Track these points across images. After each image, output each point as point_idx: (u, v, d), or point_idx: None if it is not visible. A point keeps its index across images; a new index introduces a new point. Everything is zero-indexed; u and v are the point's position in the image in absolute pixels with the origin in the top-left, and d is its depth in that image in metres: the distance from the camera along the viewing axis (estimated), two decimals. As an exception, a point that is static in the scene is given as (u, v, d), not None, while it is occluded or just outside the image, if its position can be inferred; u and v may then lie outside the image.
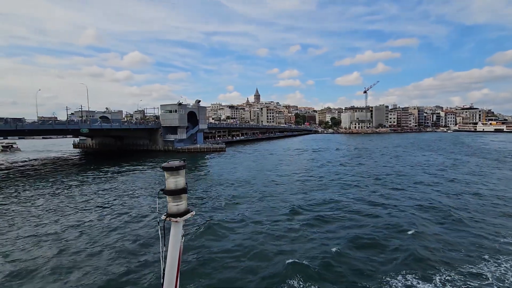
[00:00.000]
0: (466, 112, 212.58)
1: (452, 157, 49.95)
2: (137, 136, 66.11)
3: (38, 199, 23.27)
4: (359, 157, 52.24)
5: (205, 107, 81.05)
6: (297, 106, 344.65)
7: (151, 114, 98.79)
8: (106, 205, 21.10)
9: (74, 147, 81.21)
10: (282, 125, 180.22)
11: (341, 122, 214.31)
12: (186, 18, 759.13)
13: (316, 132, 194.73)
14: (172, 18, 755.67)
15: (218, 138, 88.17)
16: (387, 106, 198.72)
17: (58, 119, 64.22)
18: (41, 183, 29.75)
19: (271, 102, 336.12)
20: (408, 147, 72.23)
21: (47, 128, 46.62)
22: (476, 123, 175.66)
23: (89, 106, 78.64)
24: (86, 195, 24.40)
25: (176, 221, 2.73)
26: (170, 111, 62.57)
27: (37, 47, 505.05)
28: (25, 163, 46.90)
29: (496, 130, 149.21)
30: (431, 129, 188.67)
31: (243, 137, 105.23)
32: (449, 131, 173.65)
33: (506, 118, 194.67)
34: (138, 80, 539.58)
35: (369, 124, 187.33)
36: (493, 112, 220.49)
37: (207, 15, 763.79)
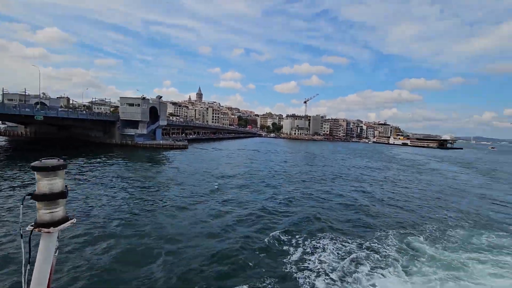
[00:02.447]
0: (381, 127, 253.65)
1: (380, 162, 62.70)
2: (89, 127, 61.71)
3: None
4: (313, 159, 60.73)
5: (166, 103, 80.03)
6: (239, 109, 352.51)
7: (80, 104, 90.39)
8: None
9: (-1, 135, 69.88)
10: (231, 126, 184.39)
11: (282, 128, 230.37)
12: (125, 1, 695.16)
13: (260, 135, 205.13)
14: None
15: (173, 135, 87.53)
16: (322, 117, 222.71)
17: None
18: None
19: (214, 102, 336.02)
20: (347, 153, 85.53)
21: (4, 112, 40.90)
22: (389, 137, 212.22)
23: (39, 90, 69.22)
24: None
25: (49, 232, 2.21)
26: (132, 105, 60.76)
27: None
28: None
29: (403, 144, 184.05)
30: (355, 139, 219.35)
31: (195, 136, 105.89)
32: (369, 142, 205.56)
33: (408, 134, 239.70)
34: (56, 61, 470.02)
35: (307, 131, 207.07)
36: (399, 129, 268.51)
37: (149, 2, 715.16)
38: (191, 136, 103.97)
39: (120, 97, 63.13)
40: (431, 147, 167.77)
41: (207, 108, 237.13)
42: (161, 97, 69.92)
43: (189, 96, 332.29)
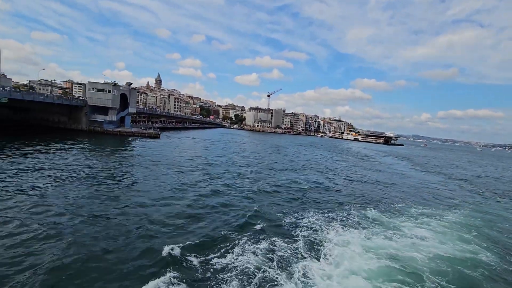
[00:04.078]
0: (336, 123, 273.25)
1: (335, 153, 70.93)
2: (53, 111, 58.44)
3: None
4: (282, 151, 66.08)
5: (136, 90, 78.19)
6: (200, 98, 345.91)
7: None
8: None
9: None
10: (195, 116, 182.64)
11: (244, 120, 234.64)
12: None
13: (223, 126, 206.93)
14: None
15: (140, 123, 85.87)
16: (283, 111, 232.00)
17: None
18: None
19: (174, 90, 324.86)
20: (309, 146, 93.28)
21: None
22: (342, 132, 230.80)
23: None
24: None
25: None
26: (103, 90, 59.05)
27: None
28: None
29: (355, 139, 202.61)
30: (313, 134, 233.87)
31: (162, 125, 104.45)
32: (326, 137, 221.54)
33: (359, 130, 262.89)
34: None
35: (269, 124, 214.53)
36: (352, 125, 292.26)
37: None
38: (157, 124, 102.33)
39: (88, 82, 60.73)
40: (378, 143, 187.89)
41: (169, 96, 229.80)
42: (131, 84, 68.57)
43: (147, 81, 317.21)
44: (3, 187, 18.44)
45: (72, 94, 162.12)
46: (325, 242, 14.92)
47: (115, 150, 40.18)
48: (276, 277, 11.14)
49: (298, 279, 11.19)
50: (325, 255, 13.53)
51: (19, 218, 14.12)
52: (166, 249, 12.24)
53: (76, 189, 19.53)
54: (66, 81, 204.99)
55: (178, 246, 12.65)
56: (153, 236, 13.65)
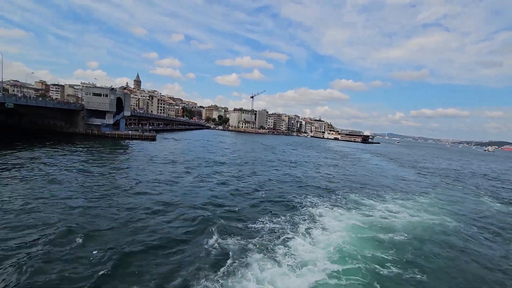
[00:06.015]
0: (317, 123, 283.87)
1: (320, 152, 77.09)
2: (48, 115, 59.51)
3: None
4: (273, 150, 71.00)
5: (130, 94, 79.87)
6: (181, 99, 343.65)
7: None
8: None
9: None
10: (181, 118, 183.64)
11: (228, 120, 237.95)
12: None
13: (208, 127, 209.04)
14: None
15: (131, 126, 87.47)
16: (266, 111, 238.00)
17: None
18: None
19: (155, 91, 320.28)
20: (295, 146, 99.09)
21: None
22: (323, 132, 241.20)
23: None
24: None
25: None
26: (100, 95, 60.98)
27: None
28: None
29: (335, 138, 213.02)
30: (296, 134, 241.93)
31: (151, 127, 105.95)
32: (308, 136, 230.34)
33: (338, 130, 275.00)
34: None
35: (253, 125, 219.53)
36: (332, 125, 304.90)
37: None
38: (146, 127, 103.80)
39: (85, 86, 62.38)
40: (357, 142, 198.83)
41: (151, 97, 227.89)
42: (125, 87, 70.73)
43: (126, 82, 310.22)
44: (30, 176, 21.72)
45: (49, 96, 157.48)
46: (321, 216, 19.87)
47: (120, 151, 43.08)
48: (288, 233, 16.25)
49: (304, 235, 16.23)
50: (321, 222, 18.56)
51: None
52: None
53: (93, 185, 23.17)
54: (39, 82, 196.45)
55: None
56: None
